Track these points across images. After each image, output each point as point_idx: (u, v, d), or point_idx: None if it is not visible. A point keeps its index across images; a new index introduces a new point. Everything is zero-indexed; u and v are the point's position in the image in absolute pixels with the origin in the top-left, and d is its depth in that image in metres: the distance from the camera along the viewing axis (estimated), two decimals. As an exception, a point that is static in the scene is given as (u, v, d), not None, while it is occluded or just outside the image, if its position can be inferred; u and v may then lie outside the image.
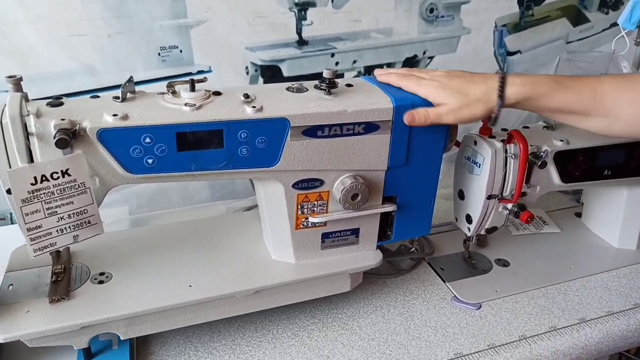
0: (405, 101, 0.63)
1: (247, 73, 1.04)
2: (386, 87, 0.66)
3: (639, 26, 1.12)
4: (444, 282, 0.81)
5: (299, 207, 0.65)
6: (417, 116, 0.63)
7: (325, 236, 0.69)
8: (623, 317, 0.74)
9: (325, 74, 0.62)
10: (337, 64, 1.10)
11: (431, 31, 1.13)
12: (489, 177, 0.73)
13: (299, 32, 1.04)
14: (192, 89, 0.58)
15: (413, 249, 0.82)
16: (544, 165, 0.72)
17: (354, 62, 1.11)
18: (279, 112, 0.59)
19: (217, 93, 0.60)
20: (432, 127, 0.65)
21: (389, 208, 0.68)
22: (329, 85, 0.62)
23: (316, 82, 0.64)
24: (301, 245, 0.68)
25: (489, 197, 0.75)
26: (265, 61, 1.04)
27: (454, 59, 1.17)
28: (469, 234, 0.81)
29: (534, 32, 1.22)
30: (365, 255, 0.71)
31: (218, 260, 0.69)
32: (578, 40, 1.25)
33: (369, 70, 1.13)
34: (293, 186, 0.64)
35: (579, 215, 0.98)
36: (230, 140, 0.58)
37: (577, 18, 1.24)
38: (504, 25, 1.18)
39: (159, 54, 0.97)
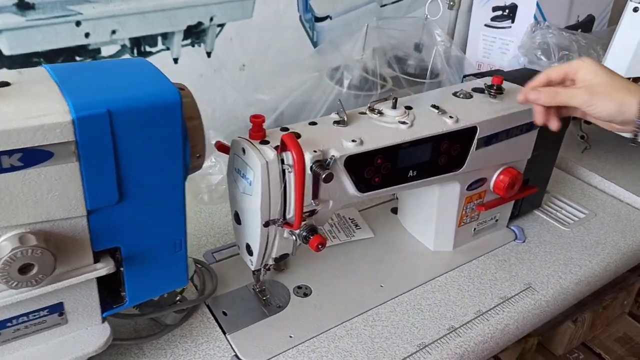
0: (97, 107, 0.39)
1: (-61, 52, 0.71)
2: (73, 83, 0.41)
3: (450, -12, 1.01)
4: (225, 334, 0.61)
5: None
6: (542, 93, 0.60)
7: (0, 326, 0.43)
8: (435, 350, 0.61)
9: None
10: (87, 35, 0.81)
11: (216, -9, 0.89)
12: (262, 198, 0.54)
13: (15, -9, 0.73)
14: None
15: (178, 298, 0.61)
16: (329, 178, 0.54)
17: (113, 32, 0.83)
18: None
19: None
20: (157, 139, 0.43)
21: (101, 271, 0.45)
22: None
23: None
24: (-46, 347, 0.42)
25: (267, 224, 0.56)
26: (-34, 34, 0.72)
27: (251, 26, 0.95)
28: (252, 268, 0.62)
29: (345, -7, 1.04)
30: (82, 337, 0.48)
31: None
32: (393, 3, 1.11)
33: (136, 44, 0.85)
34: None
35: (395, 211, 0.85)
36: None
37: (389, -22, 1.09)
38: (307, -15, 0.98)
39: None
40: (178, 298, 0.60)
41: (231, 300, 0.66)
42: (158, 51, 0.88)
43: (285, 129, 0.58)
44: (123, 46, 0.84)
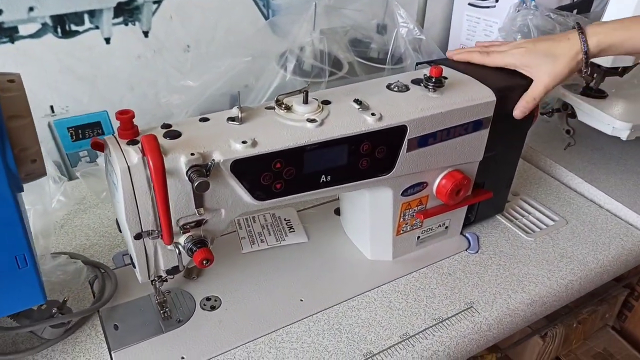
0: None
1: None
2: None
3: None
4: (110, 351, 0.55)
5: None
6: (523, 107, 0.63)
7: None
8: (343, 382, 0.54)
9: None
10: (0, 12, 0.74)
11: (150, -37, 0.81)
12: (126, 207, 0.47)
13: None
14: None
15: (55, 310, 0.54)
16: (202, 187, 0.46)
17: (31, 9, 0.76)
18: None
19: None
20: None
21: None
22: None
23: None
24: None
25: (138, 237, 0.49)
26: None
27: (193, 3, 0.87)
28: (140, 281, 0.55)
29: (304, -33, 0.94)
30: None
31: None
32: (361, -22, 1.00)
33: (60, 22, 0.78)
34: None
35: (338, 212, 0.77)
36: None
37: (358, -51, 0.98)
38: (258, -43, 0.89)
39: None
40: (54, 311, 0.54)
41: (129, 311, 0.60)
42: (85, 30, 0.80)
43: (167, 126, 0.50)
44: (44, 24, 0.77)
